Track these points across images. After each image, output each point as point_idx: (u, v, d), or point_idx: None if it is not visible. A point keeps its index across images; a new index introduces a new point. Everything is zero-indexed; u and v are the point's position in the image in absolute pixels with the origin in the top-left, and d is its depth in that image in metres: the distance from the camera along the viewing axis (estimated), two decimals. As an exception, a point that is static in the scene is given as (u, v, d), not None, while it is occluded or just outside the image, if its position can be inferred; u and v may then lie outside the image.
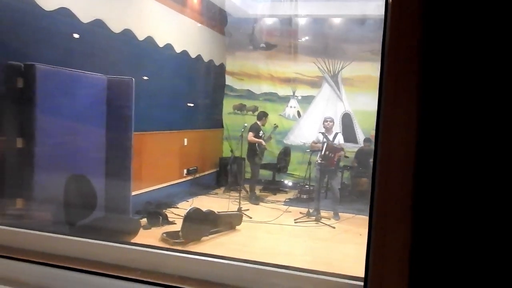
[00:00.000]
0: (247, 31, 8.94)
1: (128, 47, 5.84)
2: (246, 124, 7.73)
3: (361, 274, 0.79)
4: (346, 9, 8.03)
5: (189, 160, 7.73)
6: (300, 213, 6.59)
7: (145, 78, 6.16)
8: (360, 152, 7.80)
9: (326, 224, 6.18)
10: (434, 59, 0.70)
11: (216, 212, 5.53)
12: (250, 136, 7.50)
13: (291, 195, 7.93)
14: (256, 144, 7.50)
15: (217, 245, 5.07)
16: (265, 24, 8.83)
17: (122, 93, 4.79)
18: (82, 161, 4.37)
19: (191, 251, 1.30)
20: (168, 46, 6.88)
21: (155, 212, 5.73)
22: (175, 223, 5.54)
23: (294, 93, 8.95)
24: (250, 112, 8.99)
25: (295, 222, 6.25)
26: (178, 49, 7.17)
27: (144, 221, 5.50)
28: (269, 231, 5.80)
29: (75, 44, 4.91)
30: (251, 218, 6.23)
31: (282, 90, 8.96)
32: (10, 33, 4.02)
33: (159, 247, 1.36)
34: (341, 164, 7.13)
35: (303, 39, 8.81)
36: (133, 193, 5.20)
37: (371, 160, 2.02)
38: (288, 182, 8.53)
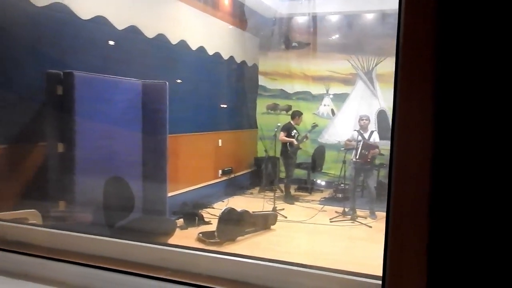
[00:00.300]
0: (279, 31, 8.93)
1: (161, 52, 5.97)
2: (279, 124, 7.72)
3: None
4: (378, 4, 7.89)
5: (224, 161, 7.81)
6: (336, 212, 6.53)
7: (179, 81, 6.27)
8: (397, 150, 7.61)
9: (362, 223, 6.09)
10: (450, 54, 0.69)
11: (250, 212, 5.56)
12: (281, 136, 7.49)
13: (326, 194, 7.86)
14: (288, 143, 7.48)
15: (252, 244, 5.09)
16: (296, 23, 8.80)
17: (156, 96, 4.90)
18: (119, 164, 4.51)
19: (218, 251, 1.32)
20: (201, 49, 6.97)
21: (191, 213, 5.83)
22: (211, 223, 5.61)
23: (327, 91, 8.87)
24: (284, 112, 8.96)
25: (331, 222, 6.19)
26: (210, 52, 7.26)
27: (180, 221, 5.61)
28: (304, 231, 5.77)
29: (111, 51, 5.07)
30: (286, 217, 6.22)
31: (315, 89, 8.89)
32: (50, 43, 4.20)
33: (188, 247, 1.38)
34: (377, 162, 7.00)
35: (335, 37, 8.71)
36: (170, 194, 5.31)
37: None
38: (323, 181, 8.45)
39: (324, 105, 8.93)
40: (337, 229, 5.94)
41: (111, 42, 5.06)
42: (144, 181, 4.75)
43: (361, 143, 6.47)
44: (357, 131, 6.73)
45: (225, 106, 7.93)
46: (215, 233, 5.00)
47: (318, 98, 8.92)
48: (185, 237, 5.17)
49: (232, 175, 8.00)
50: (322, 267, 1.11)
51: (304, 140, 7.75)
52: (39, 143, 4.05)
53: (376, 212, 6.37)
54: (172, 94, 5.18)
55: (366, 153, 6.44)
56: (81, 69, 4.15)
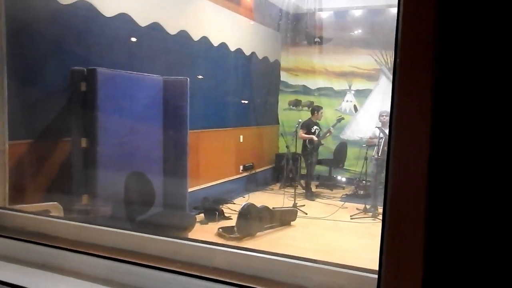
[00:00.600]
0: (301, 26, 8.89)
1: (183, 48, 6.02)
2: (300, 120, 7.70)
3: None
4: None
5: (245, 157, 7.85)
6: (357, 209, 6.48)
7: (200, 77, 6.33)
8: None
9: (384, 221, 6.02)
10: (449, 53, 0.68)
11: (270, 208, 5.58)
12: (301, 133, 7.46)
13: (347, 191, 7.80)
14: (307, 140, 7.44)
15: (271, 240, 5.12)
16: (319, 19, 8.73)
17: (177, 92, 4.96)
18: (141, 159, 4.60)
19: (228, 245, 1.34)
20: (223, 45, 7.01)
21: (212, 208, 5.89)
22: (231, 219, 5.66)
23: (350, 87, 8.78)
24: (306, 108, 8.93)
25: (351, 218, 6.15)
26: (232, 48, 7.28)
27: (201, 216, 5.68)
28: (325, 227, 5.76)
29: (134, 47, 5.16)
30: (306, 214, 6.22)
31: (338, 85, 8.81)
32: (75, 41, 4.31)
33: (205, 241, 1.39)
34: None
35: (358, 32, 8.61)
36: (191, 190, 5.38)
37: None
38: (345, 177, 8.39)
39: (347, 101, 8.85)
40: (357, 226, 5.90)
41: (134, 39, 5.15)
42: (165, 177, 4.82)
43: (383, 139, 6.39)
44: (378, 127, 6.66)
45: (246, 102, 7.96)
46: (235, 228, 5.05)
47: (341, 94, 8.84)
48: (205, 232, 5.23)
49: (253, 171, 8.03)
50: (328, 262, 1.12)
51: (327, 135, 7.68)
52: (64, 139, 4.16)
53: (398, 210, 6.28)
54: (194, 90, 5.23)
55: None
56: (105, 66, 4.23)
